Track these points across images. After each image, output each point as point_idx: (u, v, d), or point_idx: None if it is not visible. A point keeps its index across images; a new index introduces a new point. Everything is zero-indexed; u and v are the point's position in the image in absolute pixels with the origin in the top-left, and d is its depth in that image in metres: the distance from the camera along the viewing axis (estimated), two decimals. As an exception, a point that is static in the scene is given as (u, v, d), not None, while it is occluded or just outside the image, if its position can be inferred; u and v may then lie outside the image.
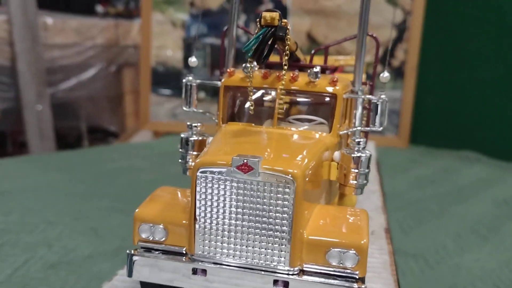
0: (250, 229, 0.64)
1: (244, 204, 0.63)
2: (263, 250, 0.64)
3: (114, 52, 3.36)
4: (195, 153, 0.78)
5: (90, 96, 3.36)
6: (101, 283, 1.03)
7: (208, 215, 0.65)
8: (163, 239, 0.68)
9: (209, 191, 0.64)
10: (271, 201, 0.63)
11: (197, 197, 0.64)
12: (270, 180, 0.62)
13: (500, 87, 2.50)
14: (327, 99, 0.81)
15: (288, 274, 0.64)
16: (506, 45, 2.56)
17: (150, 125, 2.80)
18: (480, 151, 2.56)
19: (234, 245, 0.65)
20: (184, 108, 0.84)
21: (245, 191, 0.63)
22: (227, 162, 0.63)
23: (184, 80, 0.84)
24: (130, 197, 1.77)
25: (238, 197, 0.63)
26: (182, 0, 2.73)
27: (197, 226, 0.65)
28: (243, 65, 0.79)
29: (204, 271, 0.64)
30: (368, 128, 0.82)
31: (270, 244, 0.64)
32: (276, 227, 0.63)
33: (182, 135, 0.79)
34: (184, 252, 0.67)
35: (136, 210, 0.70)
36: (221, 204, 0.64)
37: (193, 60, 0.87)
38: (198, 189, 0.64)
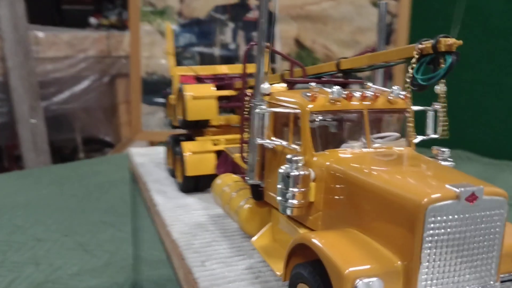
0: (471, 258, 0.61)
1: (467, 234, 0.60)
2: (478, 274, 0.62)
3: (106, 63, 3.39)
4: (296, 190, 0.68)
5: (84, 108, 3.38)
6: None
7: (435, 255, 0.59)
8: None
9: (438, 229, 0.58)
10: (487, 225, 0.61)
11: (426, 238, 0.58)
12: (491, 205, 0.60)
13: (488, 86, 2.51)
14: (402, 114, 0.79)
15: None
16: (491, 46, 2.57)
17: (143, 135, 2.82)
18: (471, 149, 2.57)
19: (455, 278, 0.61)
20: (258, 141, 0.75)
21: (470, 222, 0.60)
22: (451, 195, 0.58)
23: (257, 111, 0.74)
24: (121, 210, 1.79)
25: (466, 228, 0.60)
26: (170, 10, 2.75)
27: (422, 270, 0.59)
28: (334, 89, 0.72)
29: None
30: (428, 137, 0.83)
31: (484, 267, 0.62)
32: (490, 248, 0.62)
33: (281, 170, 0.69)
34: None
35: (347, 269, 0.57)
36: (450, 242, 0.60)
37: (266, 86, 0.76)
38: (427, 230, 0.57)
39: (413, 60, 0.67)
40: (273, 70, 0.87)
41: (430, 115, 0.82)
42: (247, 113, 0.85)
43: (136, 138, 2.87)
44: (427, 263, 0.58)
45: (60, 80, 3.28)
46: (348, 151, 0.73)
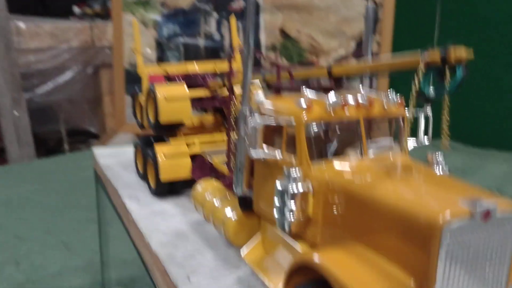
0: (483, 273, 0.60)
1: (479, 251, 0.59)
2: None
3: (90, 54, 3.34)
4: (294, 207, 0.64)
5: (68, 99, 3.33)
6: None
7: (449, 273, 0.57)
8: None
9: (453, 248, 0.57)
10: (500, 240, 0.59)
11: (441, 257, 0.56)
12: (504, 221, 0.59)
13: (473, 75, 2.50)
14: (397, 120, 0.77)
15: None
16: (476, 35, 2.57)
17: (127, 127, 2.79)
18: (456, 139, 2.58)
19: None
20: (253, 155, 0.69)
21: (483, 238, 0.58)
22: (466, 213, 0.56)
23: (251, 125, 0.69)
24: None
25: (479, 245, 0.58)
26: (153, 0, 2.70)
27: None
28: (332, 100, 0.69)
29: None
30: (420, 144, 0.81)
31: (494, 281, 0.61)
32: (501, 262, 0.61)
33: (278, 185, 0.65)
34: None
35: None
36: (464, 259, 0.58)
37: (260, 96, 0.72)
38: (443, 249, 0.55)
39: (419, 72, 0.62)
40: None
41: (422, 120, 0.79)
42: (233, 120, 0.82)
43: (121, 131, 2.84)
44: (441, 282, 0.56)
45: (43, 72, 3.23)
46: (345, 162, 0.70)
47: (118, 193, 1.12)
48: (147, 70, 1.22)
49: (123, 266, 1.39)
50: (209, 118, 1.23)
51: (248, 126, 0.73)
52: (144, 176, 1.17)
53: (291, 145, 0.71)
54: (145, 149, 1.14)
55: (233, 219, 0.80)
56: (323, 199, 0.66)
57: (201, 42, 2.72)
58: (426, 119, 0.79)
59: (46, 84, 3.26)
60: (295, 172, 0.65)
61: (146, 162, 1.14)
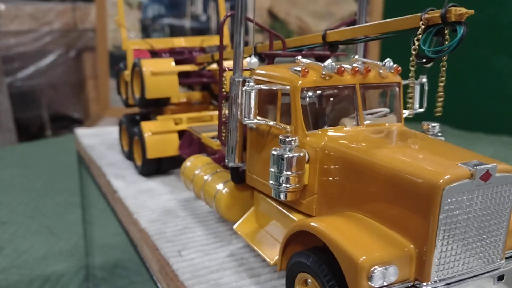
0: (481, 237, 0.59)
1: (478, 213, 0.58)
2: (487, 253, 0.60)
3: (72, 37, 3.26)
4: (290, 173, 0.63)
5: (51, 84, 3.26)
6: (55, 286, 1.00)
7: (448, 237, 0.57)
8: (395, 279, 0.55)
9: (453, 210, 0.56)
10: (498, 202, 0.59)
11: (442, 221, 0.55)
12: (502, 182, 0.58)
13: (461, 57, 2.49)
14: (393, 89, 0.76)
15: (502, 268, 0.62)
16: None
17: (112, 111, 2.73)
18: (444, 122, 2.58)
19: (465, 258, 0.59)
20: (246, 121, 0.68)
21: (483, 200, 0.58)
22: (466, 174, 0.55)
23: (245, 88, 0.67)
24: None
25: (478, 207, 0.58)
26: (137, -20, 2.64)
27: (436, 253, 0.56)
28: (328, 63, 0.67)
29: None
30: (414, 111, 0.80)
31: (493, 245, 0.60)
32: (499, 225, 0.60)
33: (274, 152, 0.64)
34: (411, 284, 0.57)
35: (361, 257, 0.53)
36: (463, 222, 0.57)
37: (253, 61, 0.71)
38: (443, 212, 0.55)
39: (419, 31, 0.61)
40: (246, 43, 0.80)
41: (417, 88, 0.79)
42: (224, 90, 0.79)
43: (105, 115, 2.78)
44: (440, 246, 0.56)
45: (24, 55, 3.15)
46: (341, 129, 0.68)
47: (103, 172, 1.08)
48: (132, 44, 1.17)
49: (107, 251, 1.36)
50: (196, 95, 1.20)
51: (241, 95, 0.71)
52: (130, 155, 1.14)
53: (285, 115, 0.69)
54: (130, 127, 1.11)
55: (224, 192, 0.77)
56: (320, 167, 0.65)
57: (187, 23, 2.66)
58: (421, 86, 0.78)
59: (27, 68, 3.18)
60: (291, 139, 0.64)
61: (132, 141, 1.11)
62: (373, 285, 0.53)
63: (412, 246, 0.57)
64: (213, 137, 0.96)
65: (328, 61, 0.68)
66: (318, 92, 0.70)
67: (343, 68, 0.69)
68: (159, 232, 0.80)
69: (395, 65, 0.75)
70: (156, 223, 0.84)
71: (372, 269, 0.52)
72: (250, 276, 0.68)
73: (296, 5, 2.60)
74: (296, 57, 0.72)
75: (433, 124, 0.74)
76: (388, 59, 0.75)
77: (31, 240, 1.34)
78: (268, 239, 0.72)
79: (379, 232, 0.58)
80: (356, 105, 0.71)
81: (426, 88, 0.79)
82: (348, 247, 0.54)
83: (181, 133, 1.07)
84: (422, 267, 0.57)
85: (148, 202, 0.92)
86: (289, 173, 0.64)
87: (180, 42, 1.23)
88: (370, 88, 0.74)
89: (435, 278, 0.57)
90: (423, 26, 0.61)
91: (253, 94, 0.68)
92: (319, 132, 0.68)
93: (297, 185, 0.65)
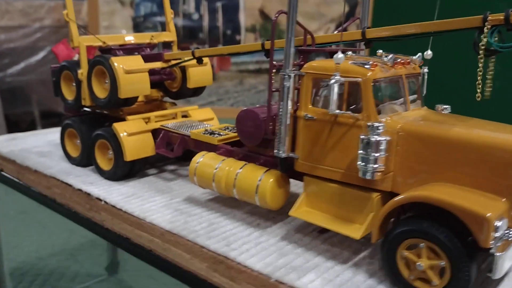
0: None
1: None
2: None
3: (63, 33, 3.25)
4: (378, 154, 0.71)
5: (41, 80, 3.25)
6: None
7: None
8: (505, 228, 0.65)
9: None
10: None
11: None
12: None
13: (450, 57, 2.53)
14: (420, 78, 0.87)
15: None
16: (455, 16, 2.59)
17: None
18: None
19: None
20: (334, 110, 0.73)
21: None
22: None
23: (331, 82, 0.72)
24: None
25: None
26: (130, -22, 2.64)
27: None
28: (389, 57, 0.78)
29: None
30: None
31: None
32: None
33: (363, 137, 0.71)
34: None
35: (488, 213, 0.62)
36: None
37: (339, 56, 0.74)
38: None
39: (485, 29, 0.71)
40: (238, 42, 0.84)
41: (424, 78, 0.88)
42: (275, 84, 0.83)
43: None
44: None
45: (15, 51, 3.14)
46: (400, 115, 0.77)
47: (65, 182, 1.02)
48: (85, 41, 1.11)
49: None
50: (153, 92, 1.19)
51: (288, 88, 0.78)
52: (85, 162, 1.10)
53: (353, 104, 0.78)
54: (89, 129, 1.07)
55: (270, 183, 0.81)
56: (401, 148, 0.73)
57: (179, 21, 2.67)
58: (423, 76, 0.88)
59: (18, 64, 3.17)
60: (379, 125, 0.71)
61: (93, 144, 1.06)
62: (497, 235, 0.62)
63: (504, 200, 0.66)
64: (212, 133, 0.98)
65: (390, 55, 0.78)
66: (381, 82, 0.79)
67: (398, 60, 0.80)
68: (192, 231, 0.80)
69: (419, 58, 0.85)
70: (176, 223, 0.83)
71: (495, 222, 0.62)
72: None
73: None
74: (377, 51, 0.82)
75: (445, 106, 0.83)
76: (419, 53, 0.85)
77: (22, 235, 1.35)
78: (331, 220, 0.78)
79: (477, 193, 0.67)
80: (403, 92, 0.82)
81: (425, 77, 0.88)
82: (472, 207, 0.62)
83: (154, 133, 1.06)
84: None
85: (147, 205, 0.91)
86: (377, 154, 0.71)
87: (129, 38, 1.19)
88: (409, 78, 0.84)
89: None
90: (489, 26, 0.71)
91: (335, 86, 0.74)
92: (388, 118, 0.75)
93: (384, 165, 0.71)
